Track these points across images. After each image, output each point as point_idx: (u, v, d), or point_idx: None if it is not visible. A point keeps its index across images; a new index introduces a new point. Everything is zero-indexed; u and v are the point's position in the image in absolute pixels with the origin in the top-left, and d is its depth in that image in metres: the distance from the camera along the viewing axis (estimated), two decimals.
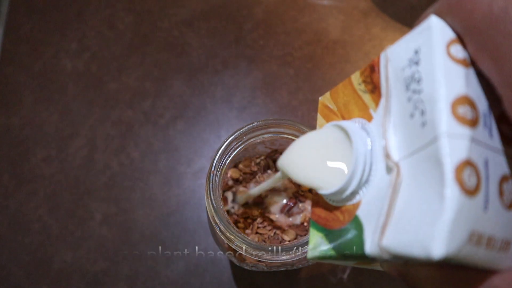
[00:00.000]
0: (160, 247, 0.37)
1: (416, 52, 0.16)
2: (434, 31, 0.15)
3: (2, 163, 0.39)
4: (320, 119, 0.21)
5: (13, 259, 0.37)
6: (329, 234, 0.19)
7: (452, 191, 0.13)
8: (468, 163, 0.14)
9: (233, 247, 0.26)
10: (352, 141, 0.18)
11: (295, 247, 0.25)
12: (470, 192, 0.14)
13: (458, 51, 0.15)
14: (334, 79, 0.42)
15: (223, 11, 0.44)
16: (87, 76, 0.42)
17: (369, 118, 0.18)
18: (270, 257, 0.25)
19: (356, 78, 0.19)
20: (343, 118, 0.20)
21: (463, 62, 0.15)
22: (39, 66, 0.43)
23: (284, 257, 0.25)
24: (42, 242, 0.37)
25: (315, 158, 0.20)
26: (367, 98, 0.18)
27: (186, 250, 0.37)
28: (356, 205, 0.18)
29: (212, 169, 0.27)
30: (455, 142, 0.14)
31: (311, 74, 0.42)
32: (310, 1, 0.45)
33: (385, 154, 0.16)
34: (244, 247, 0.25)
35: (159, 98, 0.41)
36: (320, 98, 0.22)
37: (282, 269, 0.28)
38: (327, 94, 0.21)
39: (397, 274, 0.17)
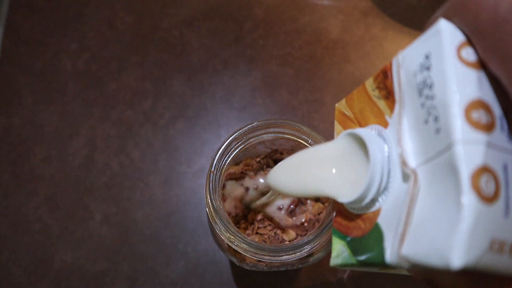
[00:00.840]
0: (160, 247, 0.37)
1: (427, 57, 0.15)
2: (444, 35, 0.15)
3: (2, 163, 0.39)
4: (337, 126, 0.21)
5: (13, 259, 0.37)
6: (351, 242, 0.19)
7: (469, 199, 0.13)
8: (484, 170, 0.13)
9: (233, 247, 0.26)
10: (368, 148, 0.17)
11: (295, 247, 0.25)
12: (488, 199, 0.13)
13: (469, 54, 0.15)
14: (334, 79, 0.42)
15: (223, 11, 0.44)
16: (87, 76, 0.42)
17: (385, 124, 0.18)
18: (270, 257, 0.25)
19: (370, 84, 0.19)
20: (360, 124, 0.20)
21: (475, 65, 0.15)
22: (39, 66, 0.43)
23: (284, 257, 0.25)
24: (42, 242, 0.37)
25: (333, 168, 0.20)
26: (382, 104, 0.18)
27: (186, 250, 0.37)
28: (377, 213, 0.18)
29: (212, 169, 0.27)
30: (470, 148, 0.14)
31: (311, 74, 0.42)
32: (310, 1, 0.45)
33: (402, 161, 0.16)
34: (244, 247, 0.25)
35: (159, 98, 0.41)
36: (336, 104, 0.21)
37: (282, 269, 0.28)
38: (343, 101, 0.21)
39: (423, 280, 0.16)
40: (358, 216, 0.19)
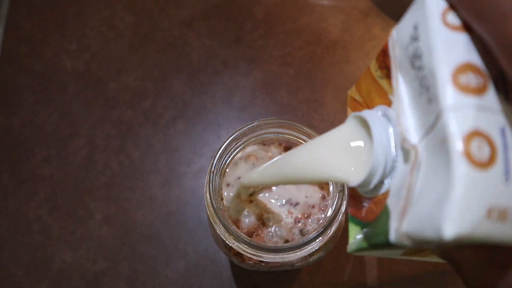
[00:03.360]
0: (160, 247, 0.37)
1: (415, 27, 0.15)
2: (427, 2, 0.15)
3: (2, 163, 0.39)
4: (349, 112, 0.21)
5: (13, 259, 0.37)
6: (365, 226, 0.19)
7: (458, 167, 0.13)
8: (476, 134, 0.13)
9: (233, 247, 0.26)
10: (371, 129, 0.17)
11: (295, 247, 0.25)
12: (481, 164, 0.13)
13: (454, 18, 0.14)
14: (334, 79, 0.42)
15: (223, 11, 0.44)
16: (87, 76, 0.42)
17: (389, 103, 0.18)
18: (270, 257, 0.25)
19: (373, 65, 0.19)
20: (368, 107, 0.19)
21: (462, 29, 0.14)
22: (39, 66, 0.43)
23: (284, 257, 0.25)
24: (42, 242, 0.37)
25: (343, 152, 0.19)
26: (384, 83, 0.18)
27: (186, 250, 0.37)
28: (386, 194, 0.17)
29: (212, 169, 0.27)
30: (459, 114, 0.13)
31: (311, 74, 0.42)
32: (310, 1, 0.45)
33: (402, 138, 0.16)
34: (244, 247, 0.25)
35: (159, 98, 0.41)
36: (348, 91, 0.22)
37: (282, 269, 0.28)
38: (353, 87, 0.21)
39: (446, 259, 0.16)
40: (370, 199, 0.18)
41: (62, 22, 0.44)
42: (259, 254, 0.25)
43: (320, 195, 0.30)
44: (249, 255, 0.25)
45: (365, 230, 0.19)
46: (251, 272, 0.36)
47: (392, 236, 0.16)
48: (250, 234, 0.28)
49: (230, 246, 0.26)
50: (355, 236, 0.19)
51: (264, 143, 0.31)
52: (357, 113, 0.19)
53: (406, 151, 0.16)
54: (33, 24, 0.44)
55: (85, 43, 0.43)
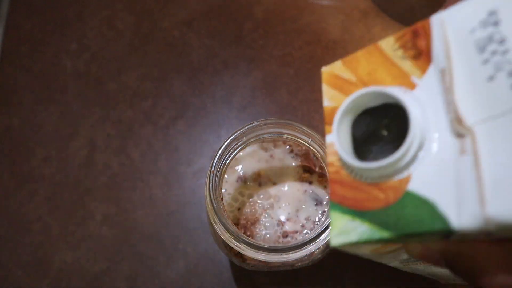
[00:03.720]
0: (160, 247, 0.37)
1: (492, 13, 0.15)
2: None
3: (2, 163, 0.39)
4: (329, 90, 0.20)
5: (13, 259, 0.37)
6: (365, 215, 0.17)
7: None
8: None
9: (233, 247, 0.26)
10: (407, 107, 0.17)
11: (295, 247, 0.25)
12: None
13: None
14: None
15: (223, 11, 0.44)
16: (87, 76, 0.42)
17: (411, 85, 0.17)
18: (270, 257, 0.25)
19: (389, 44, 0.18)
20: (367, 87, 0.19)
21: None
22: (39, 66, 0.43)
23: (284, 257, 0.25)
24: (42, 242, 0.37)
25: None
26: (407, 64, 0.18)
27: (186, 250, 0.37)
28: (405, 180, 0.16)
29: (212, 169, 0.27)
30: None
31: (311, 74, 0.42)
32: (310, 1, 0.45)
33: (457, 119, 0.16)
34: (244, 247, 0.25)
35: (159, 98, 0.41)
36: (323, 68, 0.20)
37: (282, 269, 0.28)
38: (338, 64, 0.20)
39: (439, 257, 0.16)
40: (372, 185, 0.17)
41: (62, 22, 0.44)
42: (259, 254, 0.25)
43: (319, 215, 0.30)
44: (249, 255, 0.25)
45: (372, 219, 0.17)
46: (251, 272, 0.36)
47: (456, 223, 0.15)
48: (246, 228, 0.28)
49: (230, 246, 0.26)
50: (347, 226, 0.17)
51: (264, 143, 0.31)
52: (379, 89, 0.18)
53: (458, 133, 0.16)
54: (33, 24, 0.44)
55: (85, 43, 0.43)
